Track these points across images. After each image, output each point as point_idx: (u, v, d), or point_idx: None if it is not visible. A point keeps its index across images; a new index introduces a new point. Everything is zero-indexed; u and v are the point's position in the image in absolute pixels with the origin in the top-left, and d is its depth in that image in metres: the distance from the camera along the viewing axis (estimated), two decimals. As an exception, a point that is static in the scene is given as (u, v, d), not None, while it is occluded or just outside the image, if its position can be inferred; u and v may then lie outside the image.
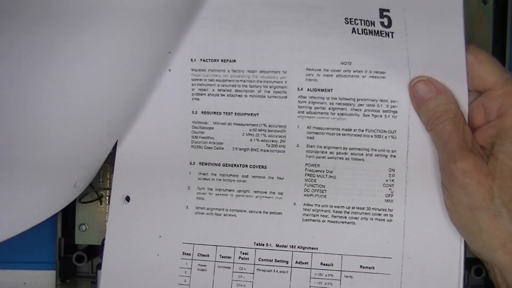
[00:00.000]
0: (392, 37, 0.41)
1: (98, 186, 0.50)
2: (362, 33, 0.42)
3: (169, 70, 0.46)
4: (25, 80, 0.40)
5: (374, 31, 0.41)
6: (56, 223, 0.48)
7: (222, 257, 0.45)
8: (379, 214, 0.43)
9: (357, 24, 0.42)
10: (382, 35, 0.41)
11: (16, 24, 0.40)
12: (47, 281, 0.49)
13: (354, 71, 0.44)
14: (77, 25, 0.40)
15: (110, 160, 0.48)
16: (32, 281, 0.43)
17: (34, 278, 0.43)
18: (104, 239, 0.48)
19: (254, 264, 0.45)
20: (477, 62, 0.39)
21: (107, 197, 0.50)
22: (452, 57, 0.39)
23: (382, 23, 0.40)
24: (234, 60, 0.45)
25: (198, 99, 0.46)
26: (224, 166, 0.46)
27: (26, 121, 0.40)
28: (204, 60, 0.46)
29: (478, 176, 0.38)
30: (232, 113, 0.46)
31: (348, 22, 0.42)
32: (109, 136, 0.45)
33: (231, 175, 0.46)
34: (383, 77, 0.43)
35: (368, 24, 0.41)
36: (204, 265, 0.45)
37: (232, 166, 0.46)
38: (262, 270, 0.45)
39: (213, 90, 0.46)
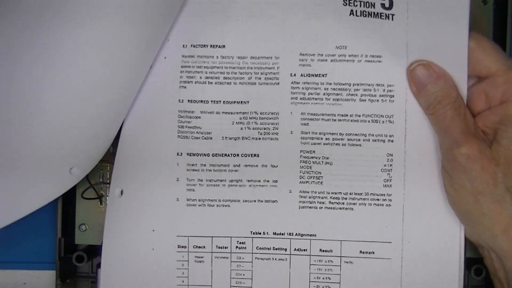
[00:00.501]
0: (392, 19, 0.39)
1: (99, 187, 0.48)
2: (361, 15, 0.40)
3: (165, 58, 0.44)
4: (20, 67, 0.40)
5: (374, 13, 0.40)
6: (56, 223, 0.47)
7: (219, 247, 0.44)
8: (378, 199, 0.43)
9: (356, 5, 0.40)
10: (382, 17, 0.39)
11: (15, 17, 0.40)
12: (47, 281, 0.48)
13: (349, 56, 0.42)
14: (73, 14, 0.39)
15: (110, 160, 0.46)
16: (32, 281, 0.42)
17: (34, 278, 0.42)
18: None
19: (252, 253, 0.44)
20: (479, 48, 0.39)
21: (107, 197, 0.48)
22: (454, 42, 0.39)
23: (383, 5, 0.39)
24: (224, 46, 0.43)
25: (185, 87, 0.44)
26: (213, 156, 0.44)
27: (20, 104, 0.40)
28: (194, 46, 0.43)
29: (482, 161, 0.38)
30: (220, 101, 0.44)
31: (346, 4, 0.40)
32: (106, 124, 0.43)
33: (221, 165, 0.44)
34: (379, 61, 0.42)
35: (368, 6, 0.39)
36: (201, 257, 0.44)
37: (222, 156, 0.44)
38: (261, 259, 0.44)
39: (201, 77, 0.43)
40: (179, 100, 0.44)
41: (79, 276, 0.49)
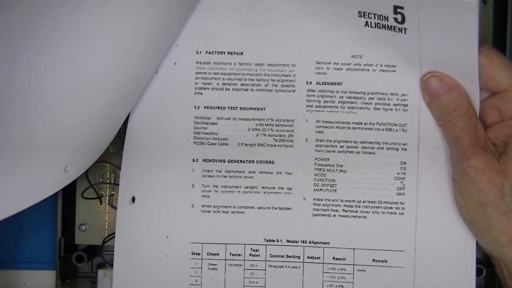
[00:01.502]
0: (405, 33, 0.40)
1: (99, 187, 0.48)
2: (375, 27, 0.41)
3: (175, 64, 0.44)
4: (18, 57, 0.38)
5: (387, 25, 0.40)
6: (56, 223, 0.47)
7: (232, 255, 0.45)
8: (391, 208, 0.43)
9: (371, 18, 0.41)
10: (395, 30, 0.40)
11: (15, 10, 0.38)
12: (47, 281, 0.49)
13: (364, 65, 0.43)
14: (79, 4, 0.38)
15: (110, 159, 0.47)
16: (32, 281, 0.43)
17: (34, 278, 0.42)
18: (104, 239, 0.47)
19: (266, 261, 0.45)
20: (490, 64, 0.40)
21: (107, 197, 0.48)
22: (464, 56, 0.39)
23: (395, 19, 0.40)
24: (242, 53, 0.44)
25: (201, 93, 0.44)
26: (229, 162, 0.45)
27: (16, 100, 0.39)
28: (210, 53, 0.44)
29: (490, 174, 0.39)
30: (237, 107, 0.44)
31: (361, 16, 0.41)
32: (105, 124, 0.43)
33: (237, 171, 0.45)
34: (394, 70, 0.43)
35: (381, 19, 0.40)
36: (215, 264, 0.45)
37: (238, 162, 0.44)
38: (274, 266, 0.44)
39: (218, 84, 0.44)
40: (195, 106, 0.44)
41: (79, 276, 0.50)
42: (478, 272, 0.45)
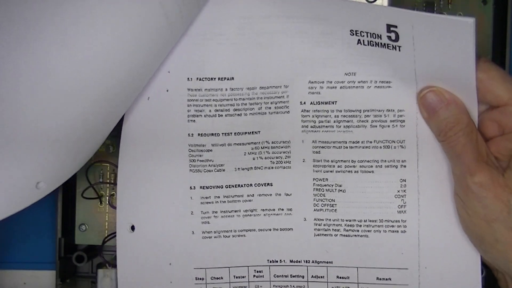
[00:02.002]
0: (399, 50, 0.39)
1: (99, 187, 0.48)
2: (368, 45, 0.40)
3: (167, 91, 0.43)
4: None
5: (381, 43, 0.39)
6: (56, 223, 0.47)
7: (236, 277, 0.45)
8: (393, 226, 0.43)
9: (363, 36, 0.40)
10: (389, 47, 0.39)
11: None
12: (47, 281, 0.49)
13: (358, 82, 0.42)
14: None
15: (110, 159, 0.47)
16: (32, 281, 0.43)
17: (34, 278, 0.43)
18: (104, 239, 0.48)
19: (270, 281, 0.44)
20: (488, 79, 0.38)
21: (107, 197, 0.48)
22: (461, 72, 0.38)
23: (389, 37, 0.38)
24: (232, 78, 0.43)
25: (194, 120, 0.44)
26: (227, 187, 0.44)
27: None
28: (200, 79, 0.43)
29: (495, 189, 0.38)
30: (231, 133, 0.44)
31: (353, 34, 0.40)
32: (81, 138, 0.41)
33: (235, 195, 0.44)
34: (389, 86, 0.42)
35: (374, 37, 0.39)
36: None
37: (236, 187, 0.44)
38: (279, 286, 0.44)
39: (210, 110, 0.43)
40: (188, 134, 0.44)
41: (79, 276, 0.50)
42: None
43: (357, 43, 0.40)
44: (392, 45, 0.39)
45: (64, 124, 0.39)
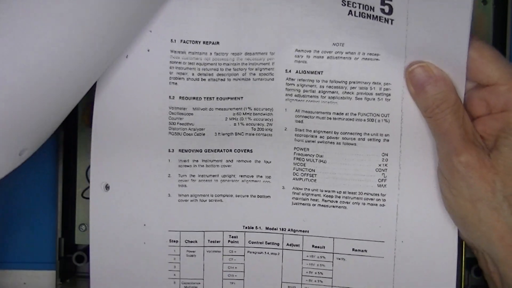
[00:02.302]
0: (391, 23, 0.38)
1: None
2: (360, 16, 0.39)
3: (148, 50, 0.42)
4: None
5: (373, 15, 0.38)
6: (56, 223, 0.46)
7: (211, 242, 0.44)
8: (372, 199, 0.43)
9: (355, 7, 0.39)
10: (381, 20, 0.38)
11: None
12: (47, 281, 0.49)
13: (346, 53, 0.41)
14: None
15: None
16: (32, 281, 0.43)
17: (34, 278, 0.42)
18: None
19: (244, 247, 0.44)
20: (481, 57, 0.38)
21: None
22: (453, 48, 0.38)
23: (382, 10, 0.38)
24: (218, 43, 0.42)
25: (175, 83, 0.42)
26: (206, 152, 0.43)
27: None
28: (184, 42, 0.42)
29: (481, 170, 0.38)
30: (213, 98, 0.42)
31: (345, 4, 0.39)
32: (63, 102, 0.40)
33: (214, 160, 0.43)
34: (377, 59, 0.41)
35: (367, 9, 0.38)
36: (193, 251, 0.44)
37: (215, 152, 0.43)
38: (253, 253, 0.44)
39: (193, 74, 0.42)
40: (169, 96, 0.43)
41: (79, 276, 0.49)
42: (478, 272, 0.44)
43: (348, 14, 0.39)
44: (385, 18, 0.38)
45: (38, 87, 0.37)
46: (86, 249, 0.48)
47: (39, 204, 0.48)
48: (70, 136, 0.47)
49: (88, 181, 0.46)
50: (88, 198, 0.47)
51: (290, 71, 0.42)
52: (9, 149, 0.39)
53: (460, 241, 0.43)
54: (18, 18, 0.35)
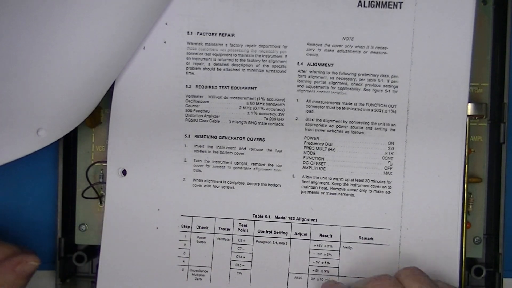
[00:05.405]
0: (400, 7, 0.41)
1: (99, 186, 0.48)
2: (369, 6, 0.42)
3: (164, 42, 0.45)
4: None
5: (382, 2, 0.41)
6: (56, 223, 0.47)
7: (221, 229, 0.46)
8: (378, 186, 0.44)
9: None
10: (390, 6, 0.41)
11: None
12: (47, 281, 0.49)
13: (356, 46, 0.44)
14: None
15: None
16: (32, 281, 0.42)
17: (34, 278, 0.42)
18: None
19: (253, 236, 0.46)
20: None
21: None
22: (457, 32, 0.40)
23: None
24: (233, 34, 0.44)
25: (192, 73, 0.45)
26: (220, 138, 0.45)
27: None
28: (201, 34, 0.45)
29: None
30: (228, 86, 0.45)
31: None
32: (85, 93, 0.43)
33: (228, 147, 0.45)
34: (385, 52, 0.43)
35: None
36: (203, 237, 0.46)
37: (229, 139, 0.45)
38: (262, 242, 0.45)
39: (209, 64, 0.45)
40: (186, 85, 0.45)
41: (79, 276, 0.50)
42: (478, 272, 0.45)
43: (358, 5, 0.42)
44: (394, 2, 0.41)
45: (65, 72, 0.41)
46: (86, 249, 0.49)
47: (39, 204, 0.49)
48: (70, 136, 0.47)
49: (89, 182, 0.47)
50: (88, 198, 0.48)
51: (301, 63, 0.44)
52: (25, 126, 0.41)
53: (461, 241, 0.43)
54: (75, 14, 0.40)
